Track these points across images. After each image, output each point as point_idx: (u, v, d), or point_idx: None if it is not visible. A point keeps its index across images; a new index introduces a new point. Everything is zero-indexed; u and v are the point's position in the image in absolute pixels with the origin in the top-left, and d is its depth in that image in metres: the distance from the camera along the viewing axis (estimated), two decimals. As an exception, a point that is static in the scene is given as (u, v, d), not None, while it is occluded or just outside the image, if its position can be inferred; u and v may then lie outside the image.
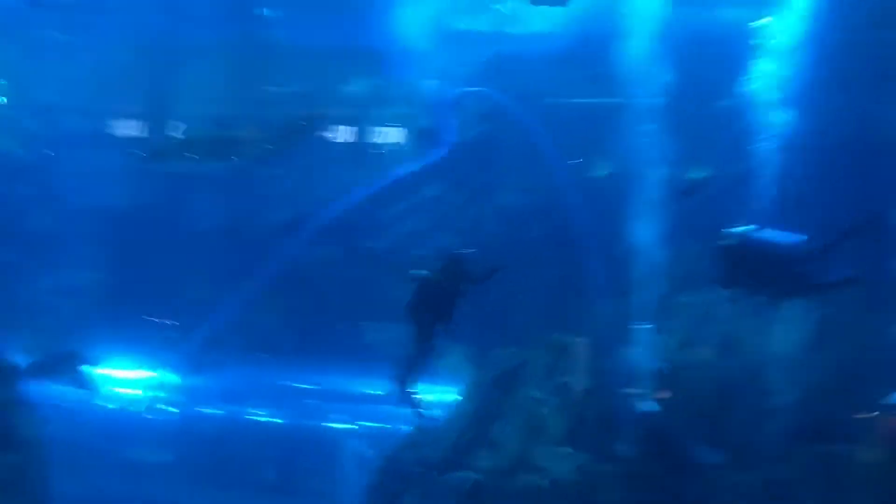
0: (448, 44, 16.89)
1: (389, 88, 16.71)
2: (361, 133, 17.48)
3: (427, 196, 17.70)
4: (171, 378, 15.52)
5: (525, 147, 16.15)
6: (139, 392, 15.75)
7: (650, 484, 10.02)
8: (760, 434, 10.53)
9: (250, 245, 15.85)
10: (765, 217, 9.56)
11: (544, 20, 16.61)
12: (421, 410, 10.00)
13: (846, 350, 10.85)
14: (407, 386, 9.83)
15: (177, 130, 16.63)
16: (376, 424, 13.85)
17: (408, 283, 9.82)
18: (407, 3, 15.99)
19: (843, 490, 9.78)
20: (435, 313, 9.68)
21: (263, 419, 15.55)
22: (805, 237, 9.00)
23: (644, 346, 11.19)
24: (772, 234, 9.17)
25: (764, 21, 11.26)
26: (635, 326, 11.20)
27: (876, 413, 9.54)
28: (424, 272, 9.84)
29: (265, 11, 16.04)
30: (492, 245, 16.76)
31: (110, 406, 15.20)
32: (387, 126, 17.13)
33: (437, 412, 10.62)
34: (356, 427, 13.96)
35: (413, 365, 9.84)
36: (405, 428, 11.17)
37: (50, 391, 13.10)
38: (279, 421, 15.87)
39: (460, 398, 11.56)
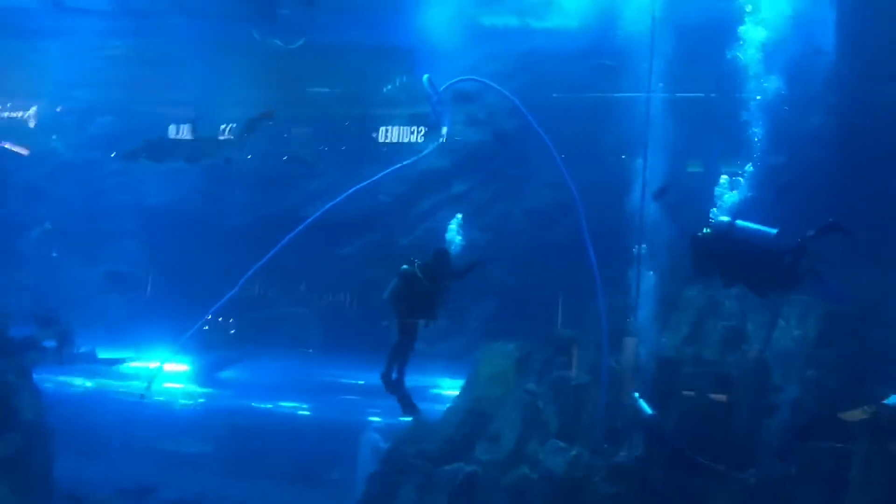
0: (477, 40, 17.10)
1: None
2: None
3: (455, 193, 17.98)
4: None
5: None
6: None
7: (641, 479, 9.95)
8: (762, 431, 10.34)
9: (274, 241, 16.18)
10: (746, 210, 9.44)
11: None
12: (406, 401, 10.13)
13: (850, 347, 10.56)
14: (392, 377, 10.00)
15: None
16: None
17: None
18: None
19: (843, 487, 9.53)
20: (416, 306, 9.83)
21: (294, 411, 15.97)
22: (777, 230, 8.89)
23: (646, 343, 11.13)
24: (746, 226, 9.11)
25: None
26: (638, 322, 11.15)
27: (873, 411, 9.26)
28: (406, 266, 9.98)
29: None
30: (517, 241, 17.09)
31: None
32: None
33: (421, 403, 10.71)
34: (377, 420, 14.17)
35: (396, 357, 10.01)
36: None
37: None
38: (307, 413, 16.37)
39: (460, 392, 11.68)
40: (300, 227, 11.30)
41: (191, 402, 15.95)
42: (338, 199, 11.74)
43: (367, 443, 13.62)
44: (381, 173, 12.26)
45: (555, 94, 16.85)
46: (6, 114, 18.77)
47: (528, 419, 10.89)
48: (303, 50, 17.47)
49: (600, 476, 10.14)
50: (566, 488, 10.14)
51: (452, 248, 10.39)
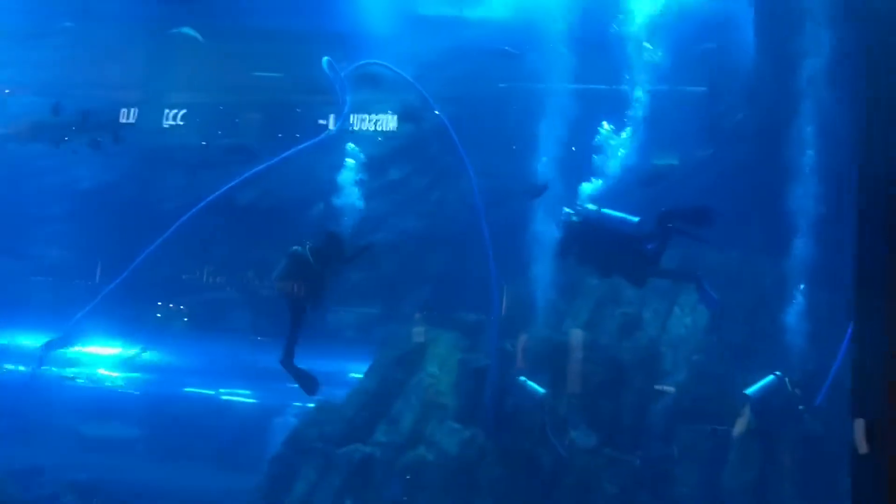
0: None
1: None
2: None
3: (392, 179, 18.14)
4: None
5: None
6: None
7: (529, 462, 10.24)
8: (647, 414, 10.68)
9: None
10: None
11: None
12: (304, 379, 10.28)
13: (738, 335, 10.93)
14: (288, 359, 10.16)
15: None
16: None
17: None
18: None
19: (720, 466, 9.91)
20: (305, 288, 9.96)
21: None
22: (639, 218, 9.25)
23: (544, 328, 11.42)
24: (611, 214, 9.46)
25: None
26: (539, 307, 11.44)
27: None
28: (297, 248, 10.11)
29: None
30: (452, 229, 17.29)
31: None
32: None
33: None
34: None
35: (289, 339, 10.16)
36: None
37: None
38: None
39: (364, 375, 11.89)
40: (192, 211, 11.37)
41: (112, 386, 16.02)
42: (230, 185, 11.82)
43: (280, 426, 13.75)
44: (275, 159, 12.37)
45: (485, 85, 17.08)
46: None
47: (429, 402, 11.12)
48: (236, 34, 17.43)
49: (493, 457, 10.40)
50: (459, 469, 10.40)
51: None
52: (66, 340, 15.89)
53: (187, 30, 15.44)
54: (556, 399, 10.59)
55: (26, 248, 17.52)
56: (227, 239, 17.71)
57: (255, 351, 17.04)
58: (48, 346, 13.96)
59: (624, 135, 10.45)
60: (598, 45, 11.94)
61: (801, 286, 10.52)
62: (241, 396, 17.31)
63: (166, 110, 16.93)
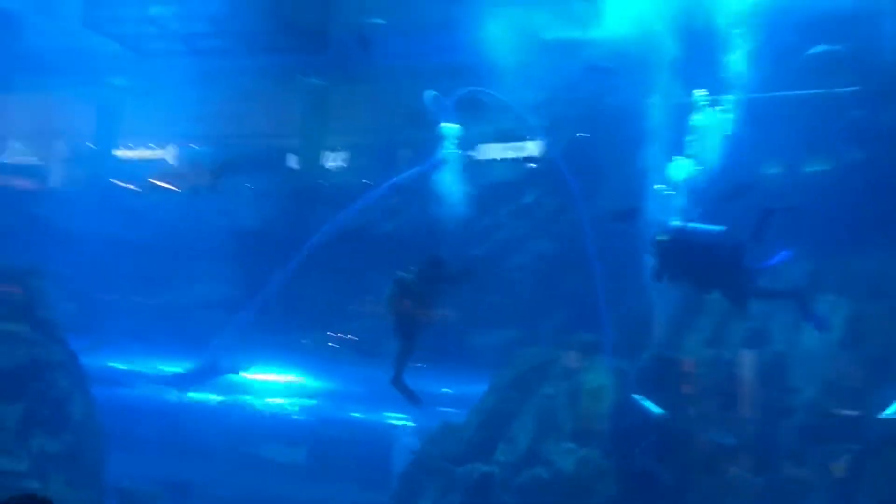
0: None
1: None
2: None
3: (525, 203, 18.29)
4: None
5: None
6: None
7: (646, 481, 9.99)
8: (778, 432, 10.14)
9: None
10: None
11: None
12: (414, 401, 10.57)
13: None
14: (399, 378, 10.50)
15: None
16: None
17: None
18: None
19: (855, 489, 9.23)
20: (414, 311, 10.29)
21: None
22: (723, 227, 8.91)
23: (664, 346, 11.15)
24: (696, 227, 9.15)
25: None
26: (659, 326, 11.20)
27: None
28: (402, 273, 10.46)
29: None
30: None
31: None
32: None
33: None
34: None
35: (399, 360, 10.50)
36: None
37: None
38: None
39: (484, 395, 12.03)
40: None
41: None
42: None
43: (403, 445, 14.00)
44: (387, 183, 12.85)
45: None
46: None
47: (545, 422, 11.11)
48: (364, 77, 18.22)
49: (610, 476, 10.24)
50: (576, 488, 10.30)
51: None
52: (231, 367, 17.18)
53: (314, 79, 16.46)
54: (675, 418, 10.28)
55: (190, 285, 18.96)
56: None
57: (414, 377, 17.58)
58: (203, 374, 15.20)
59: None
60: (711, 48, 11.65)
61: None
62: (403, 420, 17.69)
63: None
